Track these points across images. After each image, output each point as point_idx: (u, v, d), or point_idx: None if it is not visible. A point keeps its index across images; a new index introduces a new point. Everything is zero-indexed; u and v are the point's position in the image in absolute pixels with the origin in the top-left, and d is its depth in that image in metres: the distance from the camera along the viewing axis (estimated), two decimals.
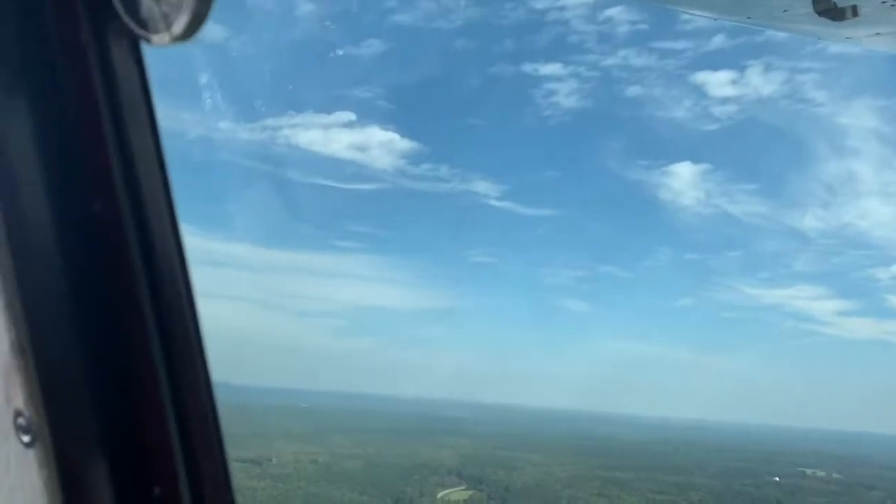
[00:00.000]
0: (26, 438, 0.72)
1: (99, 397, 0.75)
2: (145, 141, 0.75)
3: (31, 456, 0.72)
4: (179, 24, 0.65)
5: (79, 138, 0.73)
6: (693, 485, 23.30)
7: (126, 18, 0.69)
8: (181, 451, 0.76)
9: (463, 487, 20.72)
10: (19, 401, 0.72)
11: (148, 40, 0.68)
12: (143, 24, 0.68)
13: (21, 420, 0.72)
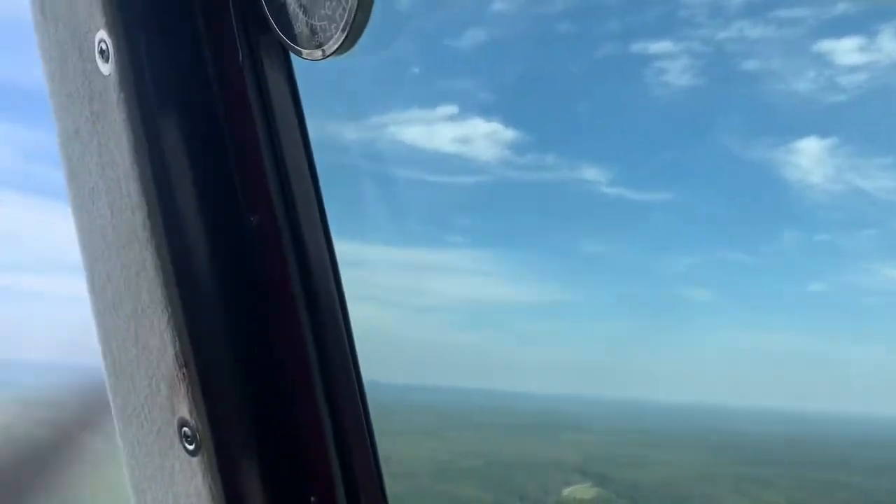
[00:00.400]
0: (191, 447, 0.75)
1: (258, 407, 0.77)
2: (298, 154, 0.76)
3: (196, 464, 0.75)
4: (334, 40, 0.65)
5: (234, 152, 0.76)
6: (840, 483, 21.62)
7: (278, 33, 0.69)
8: (338, 461, 0.77)
9: (588, 485, 20.09)
10: (184, 411, 0.75)
11: (299, 55, 0.69)
12: (295, 39, 0.68)
13: (186, 429, 0.75)
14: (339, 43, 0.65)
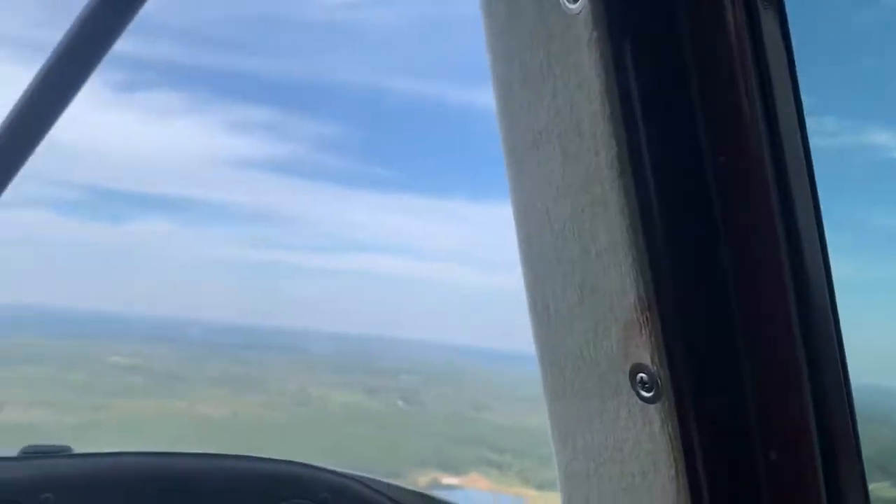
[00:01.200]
0: (648, 394, 0.73)
1: (718, 355, 0.74)
2: (786, 95, 0.72)
3: (653, 411, 0.73)
4: None
5: (705, 88, 0.71)
6: None
7: None
8: (813, 416, 0.73)
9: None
10: (642, 356, 0.73)
11: None
12: None
13: (642, 375, 0.73)
14: None
